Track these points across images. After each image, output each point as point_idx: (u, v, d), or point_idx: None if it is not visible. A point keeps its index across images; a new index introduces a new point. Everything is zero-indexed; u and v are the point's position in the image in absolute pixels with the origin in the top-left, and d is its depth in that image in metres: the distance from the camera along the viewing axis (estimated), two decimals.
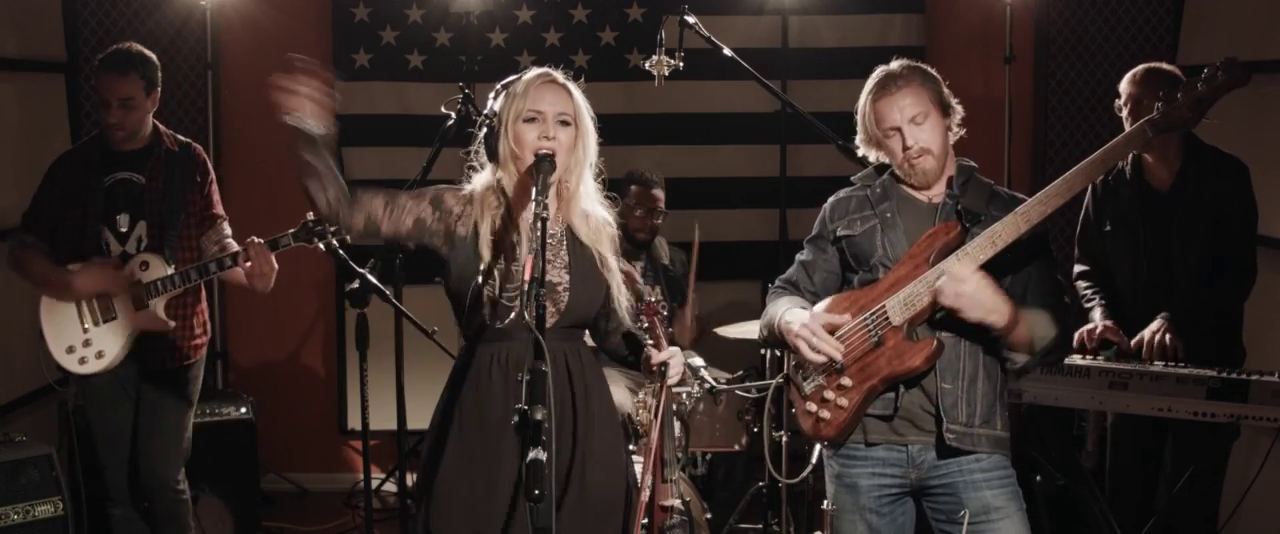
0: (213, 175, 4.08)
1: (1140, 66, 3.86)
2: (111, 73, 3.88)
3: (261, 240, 3.77)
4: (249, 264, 3.77)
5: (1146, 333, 3.69)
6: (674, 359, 2.74)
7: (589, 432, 2.79)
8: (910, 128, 2.84)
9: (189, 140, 4.08)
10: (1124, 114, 3.84)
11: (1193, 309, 3.73)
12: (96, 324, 3.86)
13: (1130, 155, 3.88)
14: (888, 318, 2.79)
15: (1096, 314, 3.92)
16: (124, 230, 3.92)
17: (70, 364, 3.87)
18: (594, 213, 2.88)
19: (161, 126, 4.05)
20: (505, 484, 2.71)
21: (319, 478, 5.86)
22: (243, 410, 4.98)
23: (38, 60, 5.23)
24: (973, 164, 2.96)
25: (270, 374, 5.64)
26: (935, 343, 2.76)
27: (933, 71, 2.92)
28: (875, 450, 2.89)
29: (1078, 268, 4.09)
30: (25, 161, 5.01)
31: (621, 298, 2.86)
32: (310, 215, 3.72)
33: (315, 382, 5.78)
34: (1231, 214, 3.77)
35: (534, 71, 2.81)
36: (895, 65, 2.92)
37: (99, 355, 3.85)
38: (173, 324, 3.88)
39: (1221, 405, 3.41)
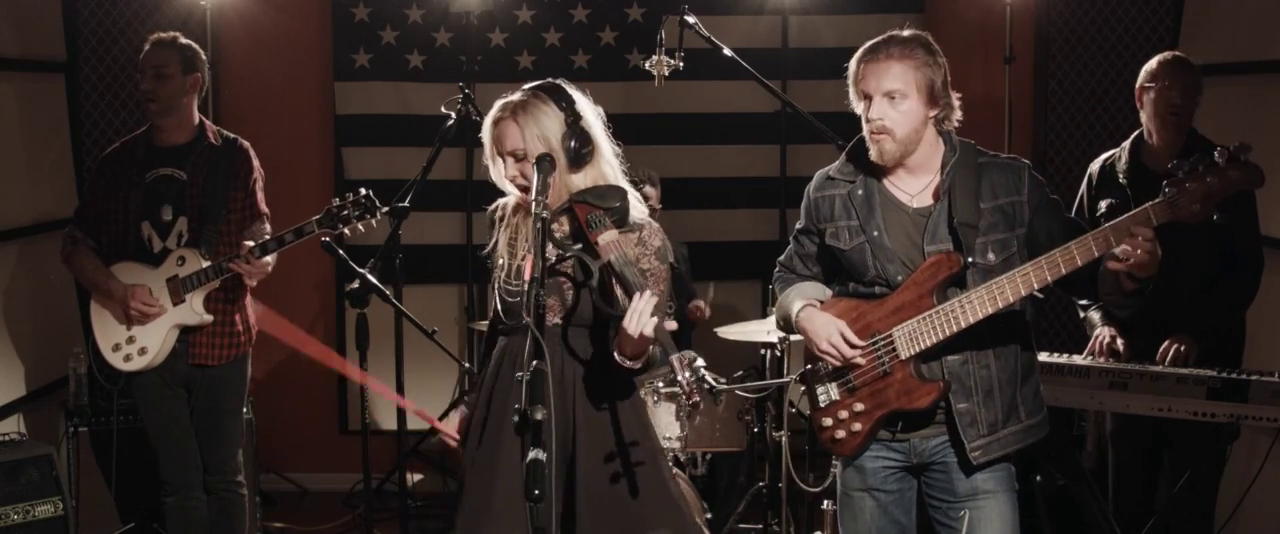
0: (259, 173, 4.06)
1: (1163, 54, 3.79)
2: (152, 46, 3.95)
3: (251, 243, 3.81)
4: (245, 269, 3.81)
5: (1170, 355, 3.62)
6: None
7: (568, 430, 2.79)
8: (880, 102, 2.74)
9: (235, 137, 4.07)
10: (1142, 102, 3.78)
11: (1201, 309, 3.70)
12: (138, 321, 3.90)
13: (1130, 141, 3.86)
14: (895, 350, 2.78)
15: (1095, 317, 3.91)
16: (166, 226, 3.92)
17: (117, 361, 3.93)
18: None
19: (209, 123, 4.07)
20: (514, 474, 2.72)
21: (319, 478, 5.86)
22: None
23: (38, 60, 5.22)
24: (953, 156, 2.82)
25: (270, 374, 5.63)
26: (941, 386, 2.76)
27: (939, 55, 2.80)
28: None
29: None
30: (25, 161, 5.01)
31: (616, 286, 2.76)
32: (335, 201, 3.77)
33: (315, 382, 5.77)
34: (1237, 206, 3.72)
35: (493, 108, 2.83)
36: (905, 32, 2.83)
37: (142, 352, 3.89)
38: (210, 318, 3.89)
39: (1221, 405, 3.41)
